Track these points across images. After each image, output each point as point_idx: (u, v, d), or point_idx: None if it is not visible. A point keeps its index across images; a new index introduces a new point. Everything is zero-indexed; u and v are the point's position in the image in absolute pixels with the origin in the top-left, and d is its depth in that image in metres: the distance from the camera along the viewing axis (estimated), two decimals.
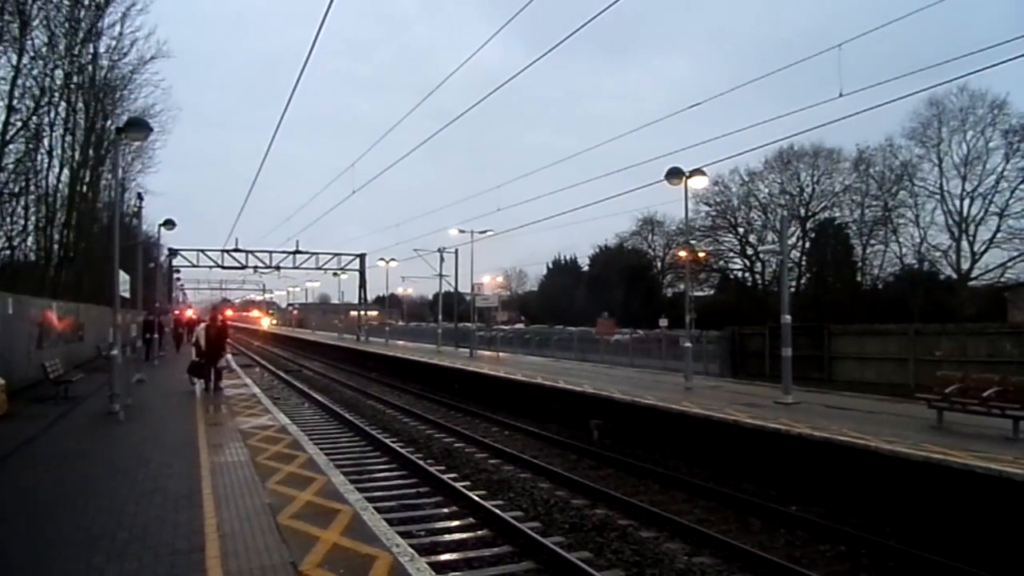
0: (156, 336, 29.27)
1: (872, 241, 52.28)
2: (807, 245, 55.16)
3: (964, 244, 46.73)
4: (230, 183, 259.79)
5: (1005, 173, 45.03)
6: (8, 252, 25.19)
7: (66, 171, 27.44)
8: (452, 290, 43.16)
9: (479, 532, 8.75)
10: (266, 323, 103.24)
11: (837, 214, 54.82)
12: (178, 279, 60.67)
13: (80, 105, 27.33)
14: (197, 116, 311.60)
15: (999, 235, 45.41)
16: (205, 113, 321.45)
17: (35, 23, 23.07)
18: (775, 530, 9.06)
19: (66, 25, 24.73)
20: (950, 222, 47.43)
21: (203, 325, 18.17)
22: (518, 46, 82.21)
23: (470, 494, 10.19)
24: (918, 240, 49.43)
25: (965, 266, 46.54)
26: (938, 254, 48.81)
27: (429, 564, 5.65)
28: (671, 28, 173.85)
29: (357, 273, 55.46)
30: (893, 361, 20.25)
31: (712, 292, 60.90)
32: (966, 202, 46.76)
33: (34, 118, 23.83)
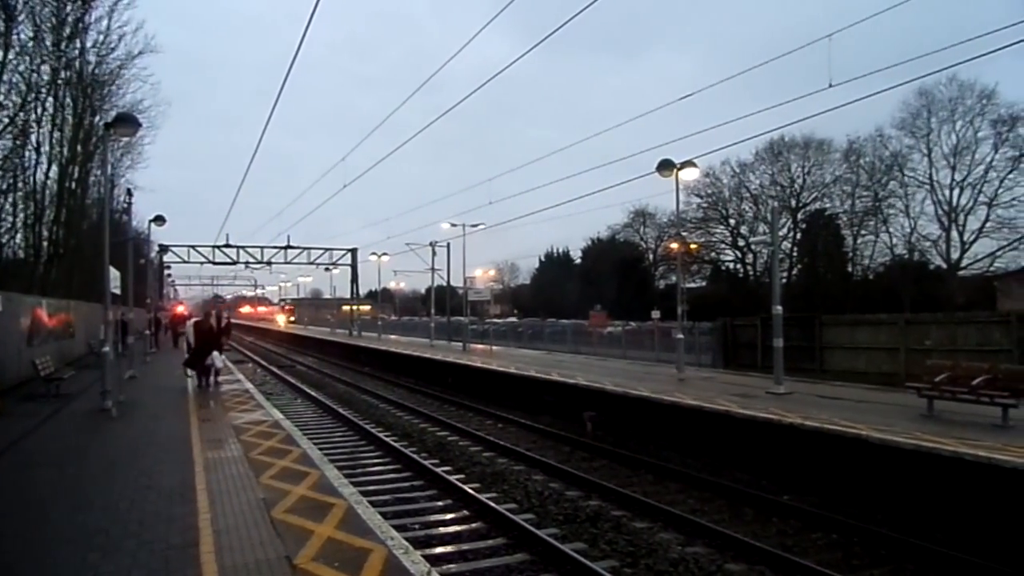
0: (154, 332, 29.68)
1: (863, 231, 52.63)
2: (798, 236, 55.39)
3: (954, 234, 47.02)
4: (230, 180, 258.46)
5: (994, 163, 45.41)
6: None
7: (54, 167, 27.28)
8: (444, 284, 43.14)
9: (473, 525, 8.78)
10: (282, 320, 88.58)
11: (828, 205, 55.21)
12: (169, 275, 60.42)
13: (68, 101, 27.11)
14: (210, 113, 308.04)
15: (988, 224, 45.71)
16: (217, 111, 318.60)
17: (20, 18, 22.84)
18: (768, 519, 9.13)
19: (52, 20, 24.49)
20: (940, 212, 47.75)
21: (192, 321, 18.05)
22: (524, 48, 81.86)
23: (464, 487, 10.22)
24: (908, 230, 49.78)
25: (955, 255, 46.82)
26: (928, 244, 49.18)
27: (424, 557, 5.65)
28: (675, 27, 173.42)
29: (349, 268, 55.41)
30: (884, 351, 20.34)
31: (704, 284, 61.17)
32: (956, 192, 47.08)
33: (21, 114, 23.62)
